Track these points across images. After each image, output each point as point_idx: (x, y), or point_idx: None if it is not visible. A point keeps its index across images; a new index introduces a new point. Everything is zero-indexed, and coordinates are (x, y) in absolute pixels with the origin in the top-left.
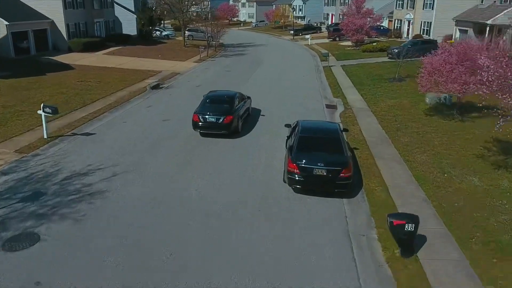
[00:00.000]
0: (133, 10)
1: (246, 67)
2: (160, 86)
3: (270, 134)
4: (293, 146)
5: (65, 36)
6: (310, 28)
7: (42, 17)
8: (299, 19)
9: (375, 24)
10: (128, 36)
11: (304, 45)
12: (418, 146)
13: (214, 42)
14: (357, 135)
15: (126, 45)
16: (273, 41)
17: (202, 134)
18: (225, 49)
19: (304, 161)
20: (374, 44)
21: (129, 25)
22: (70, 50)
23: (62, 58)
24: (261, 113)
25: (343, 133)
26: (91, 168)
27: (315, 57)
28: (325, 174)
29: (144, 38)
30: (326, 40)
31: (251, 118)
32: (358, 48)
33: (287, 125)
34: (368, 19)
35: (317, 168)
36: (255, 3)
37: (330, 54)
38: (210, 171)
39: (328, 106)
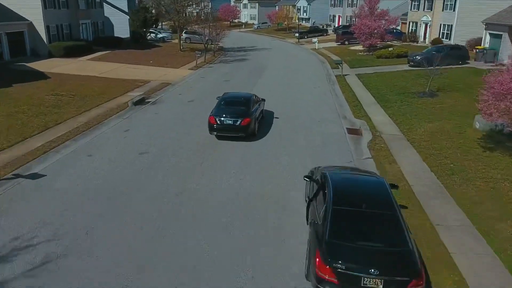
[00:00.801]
0: (126, 10)
1: (248, 75)
2: (146, 101)
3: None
4: (323, 229)
5: (45, 39)
6: (316, 31)
7: (18, 18)
8: (304, 21)
9: (390, 27)
10: (119, 39)
11: (310, 49)
12: (492, 205)
13: (213, 46)
14: (399, 180)
15: (116, 49)
16: (276, 44)
17: (219, 137)
18: (225, 53)
19: (344, 262)
20: (390, 49)
21: (122, 27)
22: (50, 55)
23: (39, 65)
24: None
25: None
26: (18, 245)
27: (325, 64)
28: None
29: (137, 41)
30: (334, 44)
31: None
32: (371, 53)
33: (308, 177)
34: (383, 21)
35: (368, 278)
36: (257, 4)
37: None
38: None
39: (350, 131)
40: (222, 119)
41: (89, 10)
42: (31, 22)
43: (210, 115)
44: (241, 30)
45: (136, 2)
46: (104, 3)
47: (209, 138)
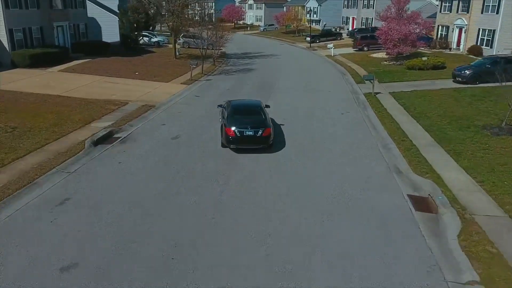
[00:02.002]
0: (117, 11)
1: (254, 94)
2: (113, 136)
3: None
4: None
5: (6, 46)
6: (328, 34)
7: None
8: (314, 23)
9: (423, 33)
10: (105, 44)
11: (325, 56)
12: None
13: (214, 52)
14: None
15: (100, 56)
16: (286, 49)
17: (237, 150)
18: (227, 61)
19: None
20: (423, 59)
21: (111, 30)
22: (14, 66)
23: None
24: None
25: None
26: None
27: (346, 77)
28: None
29: (128, 47)
30: (351, 50)
31: None
32: (399, 63)
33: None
34: (413, 25)
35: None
36: (263, 4)
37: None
38: None
39: (417, 205)
40: (242, 130)
41: (66, 11)
42: None
43: (226, 127)
44: (246, 32)
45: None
46: (89, 2)
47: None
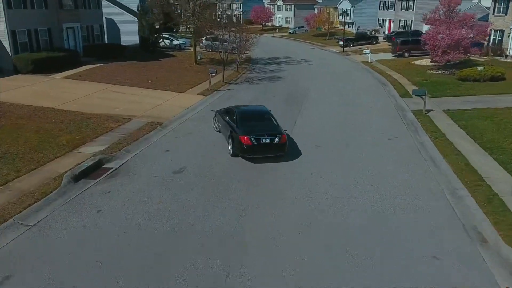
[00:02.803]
0: (137, 11)
1: (281, 109)
2: (102, 167)
3: None
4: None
5: (8, 49)
6: (363, 38)
7: None
8: (346, 26)
9: (476, 38)
10: (120, 47)
11: (361, 61)
12: None
13: (238, 57)
14: None
15: (113, 60)
16: (317, 54)
17: (254, 160)
18: (252, 67)
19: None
20: (479, 68)
21: (131, 32)
22: (16, 71)
23: None
24: None
25: None
26: None
27: (387, 87)
28: None
29: (147, 50)
30: (390, 56)
31: None
32: (448, 72)
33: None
34: (466, 29)
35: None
36: (293, 5)
37: (411, 84)
38: None
39: None
40: (259, 138)
41: (77, 11)
42: None
43: (240, 135)
44: (275, 34)
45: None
46: (107, 1)
47: None
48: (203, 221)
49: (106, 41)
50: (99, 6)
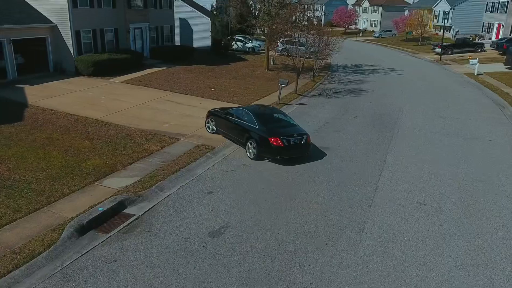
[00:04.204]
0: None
1: (363, 135)
2: (122, 212)
3: None
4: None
5: (71, 50)
6: (465, 45)
7: (37, 19)
8: (442, 30)
9: None
10: (188, 49)
11: (464, 74)
12: None
13: (316, 63)
14: None
15: (180, 63)
16: (408, 62)
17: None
18: (331, 75)
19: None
20: None
21: (204, 33)
22: (78, 73)
23: (36, 91)
24: None
25: None
26: None
27: (505, 110)
28: None
29: (218, 52)
30: (502, 67)
31: None
32: None
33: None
34: None
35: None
36: (380, 7)
37: None
38: None
39: None
40: (289, 138)
41: (146, 11)
42: (55, 26)
43: (269, 137)
44: (358, 38)
45: (214, 4)
46: (181, 1)
47: None
48: None
49: (178, 43)
50: (170, 6)
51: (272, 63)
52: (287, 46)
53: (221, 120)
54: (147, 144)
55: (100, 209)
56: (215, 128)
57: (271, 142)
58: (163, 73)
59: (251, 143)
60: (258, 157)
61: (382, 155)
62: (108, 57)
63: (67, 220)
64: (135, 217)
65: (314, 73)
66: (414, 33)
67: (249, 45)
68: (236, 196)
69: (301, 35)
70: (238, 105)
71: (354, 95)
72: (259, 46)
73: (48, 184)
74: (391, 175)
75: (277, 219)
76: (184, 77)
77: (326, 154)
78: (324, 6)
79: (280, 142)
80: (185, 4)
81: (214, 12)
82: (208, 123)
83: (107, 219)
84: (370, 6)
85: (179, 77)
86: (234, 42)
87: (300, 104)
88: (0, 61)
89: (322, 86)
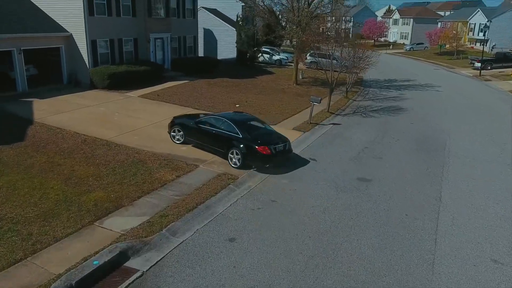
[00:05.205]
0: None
1: (407, 164)
2: (123, 265)
3: None
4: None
5: (87, 61)
6: (506, 59)
7: (51, 27)
8: (477, 43)
9: None
10: (212, 61)
11: (508, 91)
12: None
13: (349, 77)
14: None
15: (203, 76)
16: (445, 77)
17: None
18: (365, 91)
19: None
20: None
21: (229, 44)
22: (93, 86)
23: (47, 104)
24: None
25: None
26: None
27: None
28: None
29: (244, 64)
30: None
31: None
32: None
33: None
34: None
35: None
36: (411, 19)
37: None
38: None
39: None
40: (275, 146)
41: (168, 20)
42: (70, 35)
43: (257, 146)
44: (388, 51)
45: (240, 14)
46: (205, 10)
47: None
48: None
49: (202, 54)
50: (194, 15)
51: (300, 77)
52: (317, 58)
53: (191, 129)
54: (160, 172)
55: (95, 263)
56: (182, 139)
57: (259, 151)
58: (184, 87)
59: (234, 153)
60: (243, 166)
61: (436, 191)
62: (126, 69)
63: (52, 278)
64: (138, 273)
65: (347, 88)
66: (447, 46)
67: (276, 57)
68: (264, 246)
69: (335, 47)
70: (202, 112)
71: (392, 114)
72: (286, 58)
73: (38, 224)
74: (452, 220)
75: (316, 281)
76: (206, 91)
77: (369, 189)
78: (352, 18)
79: (269, 151)
80: (210, 13)
81: (240, 23)
82: (174, 132)
83: (104, 275)
84: (400, 18)
85: (201, 91)
86: (260, 54)
87: (333, 124)
88: (10, 72)
89: (356, 103)
